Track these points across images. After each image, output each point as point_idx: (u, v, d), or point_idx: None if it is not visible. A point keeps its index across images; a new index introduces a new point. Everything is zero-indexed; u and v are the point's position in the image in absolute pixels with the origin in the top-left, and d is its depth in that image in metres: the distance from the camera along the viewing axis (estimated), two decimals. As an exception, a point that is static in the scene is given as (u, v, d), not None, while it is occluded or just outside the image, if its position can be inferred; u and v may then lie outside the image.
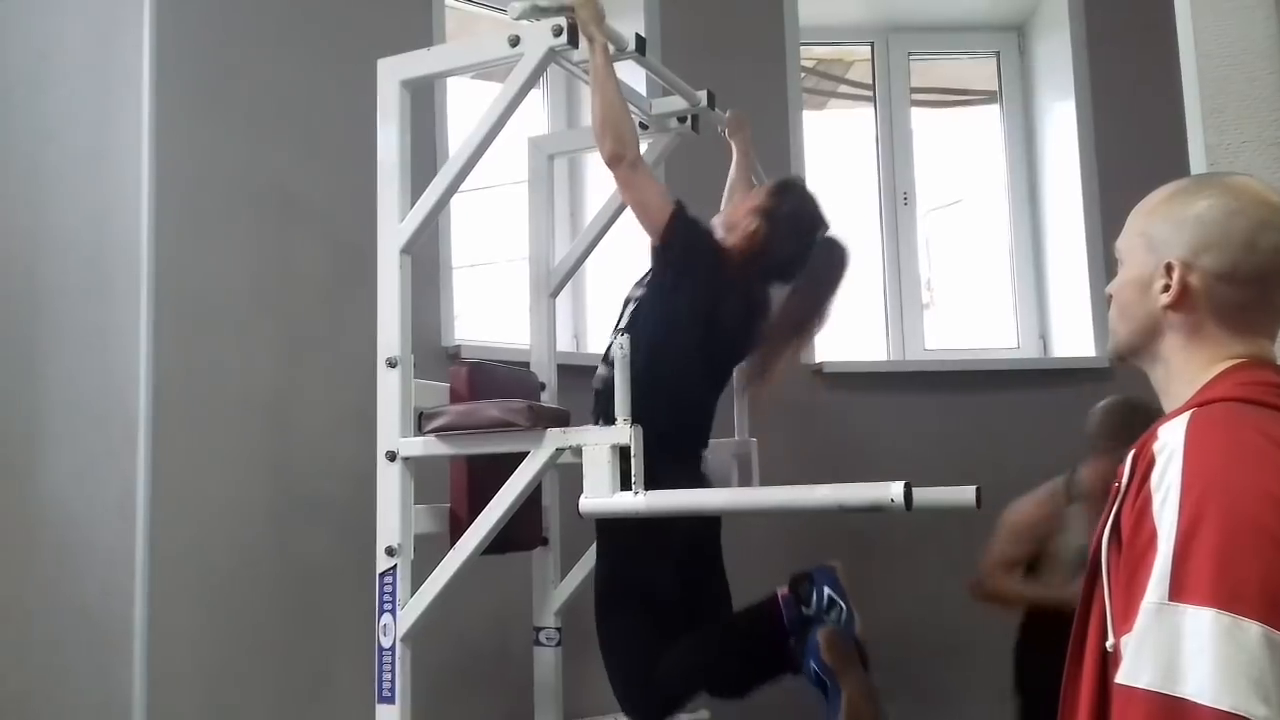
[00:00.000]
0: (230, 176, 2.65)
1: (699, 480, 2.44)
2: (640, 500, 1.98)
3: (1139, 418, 2.56)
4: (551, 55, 2.22)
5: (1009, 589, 2.74)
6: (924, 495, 1.82)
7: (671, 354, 2.34)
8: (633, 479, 1.98)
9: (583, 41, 2.25)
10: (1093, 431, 2.71)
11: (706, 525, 2.48)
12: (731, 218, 2.49)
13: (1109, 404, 2.73)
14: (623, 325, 2.45)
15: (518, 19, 2.21)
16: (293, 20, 2.80)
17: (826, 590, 2.32)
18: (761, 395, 2.51)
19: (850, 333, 3.89)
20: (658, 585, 2.35)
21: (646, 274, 2.50)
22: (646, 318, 2.41)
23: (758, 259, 2.43)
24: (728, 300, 2.40)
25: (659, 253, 2.38)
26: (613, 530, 2.35)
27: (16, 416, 2.65)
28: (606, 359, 2.35)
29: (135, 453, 2.47)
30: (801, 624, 2.32)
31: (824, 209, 2.48)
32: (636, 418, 2.01)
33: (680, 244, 2.34)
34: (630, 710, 2.41)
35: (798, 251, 2.43)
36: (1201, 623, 1.03)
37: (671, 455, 2.24)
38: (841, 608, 2.31)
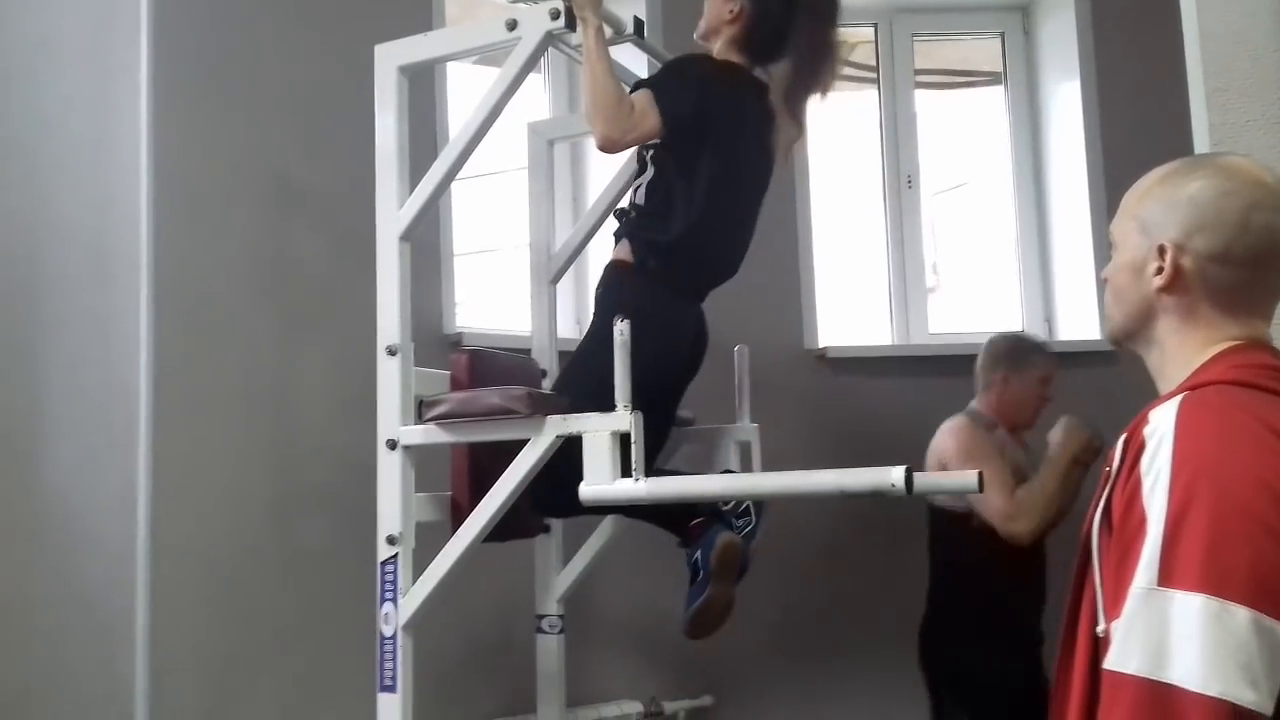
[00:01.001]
0: (230, 164, 2.64)
1: (692, 325, 2.44)
2: (641, 487, 1.98)
3: (1020, 348, 2.93)
4: (549, 39, 2.21)
5: (1040, 493, 2.73)
6: (925, 479, 1.81)
7: (704, 190, 2.32)
8: (633, 466, 1.98)
9: (579, 23, 2.22)
10: (981, 366, 2.96)
11: (693, 352, 2.48)
12: (710, 16, 2.46)
13: (992, 339, 3.00)
14: (648, 172, 2.41)
15: (515, 2, 2.21)
16: (292, 6, 2.79)
17: (748, 500, 2.36)
18: (791, 142, 2.46)
19: (854, 316, 3.88)
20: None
21: None
22: (672, 163, 2.38)
23: (750, 36, 2.41)
24: (744, 117, 2.39)
25: (669, 136, 2.35)
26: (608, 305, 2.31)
27: (17, 406, 2.64)
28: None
29: (136, 442, 2.47)
30: (711, 512, 2.32)
31: None
32: (675, 240, 2.20)
33: (677, 119, 2.31)
34: (539, 507, 2.40)
35: (786, 11, 2.40)
36: (1190, 608, 1.03)
37: (691, 283, 2.39)
38: (752, 519, 2.35)
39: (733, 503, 2.36)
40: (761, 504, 2.38)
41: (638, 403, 2.00)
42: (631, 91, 2.33)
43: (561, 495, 2.19)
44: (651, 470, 2.13)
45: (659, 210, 2.37)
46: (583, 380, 2.23)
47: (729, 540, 2.27)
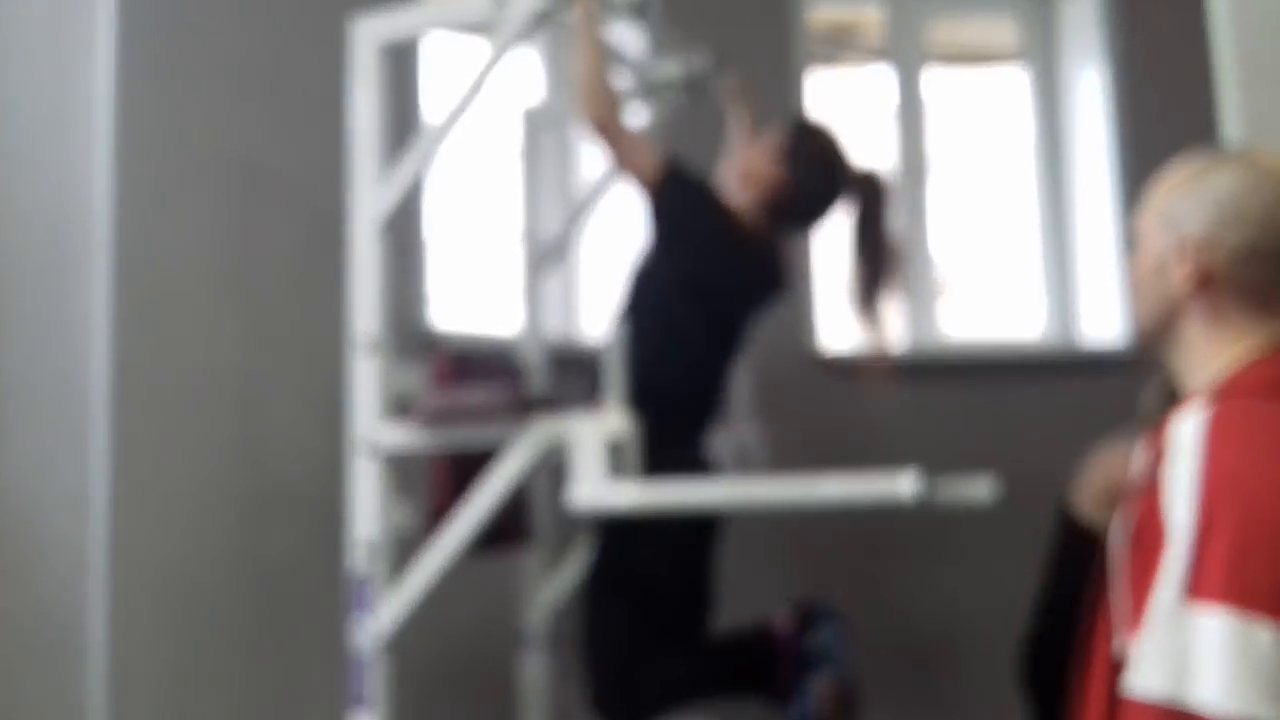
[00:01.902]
0: (195, 147, 2.61)
1: (701, 462, 2.38)
2: (634, 493, 1.95)
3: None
4: (542, 17, 2.14)
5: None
6: (936, 489, 1.79)
7: (676, 321, 2.28)
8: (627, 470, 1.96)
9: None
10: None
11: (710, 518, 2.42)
12: (748, 164, 2.37)
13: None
14: (629, 301, 2.37)
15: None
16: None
17: (833, 637, 2.27)
18: (884, 357, 2.39)
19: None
20: (657, 572, 2.28)
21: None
22: (648, 287, 2.34)
23: (783, 207, 2.33)
24: (733, 261, 2.32)
25: (653, 216, 2.30)
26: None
27: (-31, 403, 2.62)
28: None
29: (95, 441, 2.44)
30: (797, 653, 2.25)
31: (847, 148, 2.39)
32: (644, 387, 2.05)
33: (674, 208, 2.26)
34: (601, 711, 2.31)
35: (829, 188, 2.33)
36: (1212, 624, 1.05)
37: (677, 428, 2.28)
38: (837, 662, 2.25)
39: (816, 642, 2.26)
40: (843, 644, 2.27)
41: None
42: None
43: (632, 696, 2.22)
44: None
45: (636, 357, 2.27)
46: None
47: (834, 686, 2.21)
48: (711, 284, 2.30)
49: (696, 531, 2.31)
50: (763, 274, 2.41)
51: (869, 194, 2.35)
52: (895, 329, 2.41)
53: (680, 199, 2.26)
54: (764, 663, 2.26)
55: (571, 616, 2.43)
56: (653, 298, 2.32)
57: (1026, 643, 2.80)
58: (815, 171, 2.34)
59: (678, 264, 2.29)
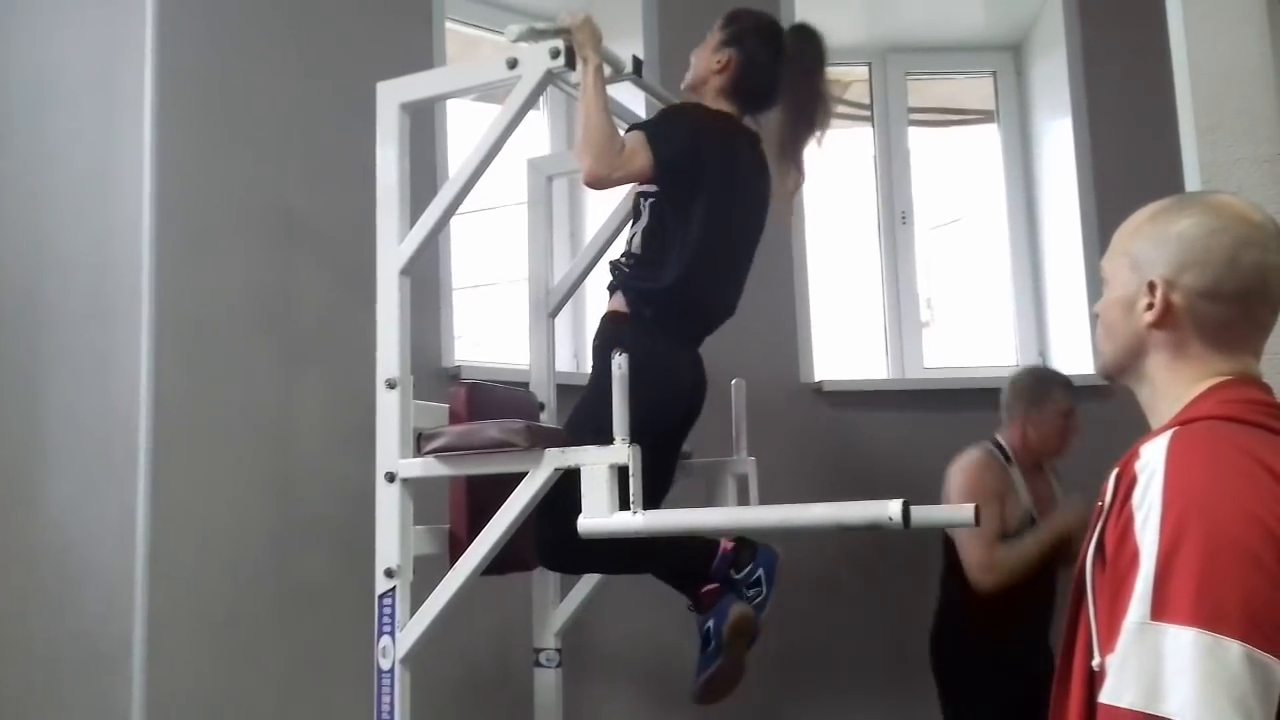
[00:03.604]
0: (231, 197, 2.66)
1: (690, 370, 2.45)
2: (639, 520, 1.98)
3: (1040, 384, 2.98)
4: (549, 77, 2.23)
5: (1018, 556, 2.80)
6: (922, 513, 1.81)
7: (698, 237, 2.33)
8: (631, 499, 1.98)
9: (579, 62, 2.25)
10: (1006, 401, 3.00)
11: (692, 399, 2.48)
12: (697, 68, 2.49)
13: (1014, 374, 3.06)
14: (644, 219, 2.41)
15: (515, 41, 2.23)
16: (294, 41, 2.81)
17: (760, 570, 2.36)
18: (793, 188, 2.49)
19: (850, 351, 3.90)
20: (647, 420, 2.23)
21: None
22: (668, 210, 2.38)
23: (739, 86, 2.45)
24: (736, 163, 2.40)
25: (660, 180, 2.36)
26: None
27: (17, 439, 2.65)
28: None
29: (136, 475, 2.47)
30: (724, 580, 2.34)
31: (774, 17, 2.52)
32: (670, 286, 2.22)
33: (670, 163, 2.33)
34: (543, 555, 2.40)
35: (774, 56, 2.45)
36: (1183, 642, 1.04)
37: (687, 329, 2.40)
38: (763, 592, 2.35)
39: (744, 571, 2.36)
40: (773, 574, 2.38)
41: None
42: (626, 132, 2.35)
43: (569, 548, 2.22)
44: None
45: (652, 258, 2.38)
46: (584, 433, 2.22)
47: (742, 612, 2.30)
48: (709, 162, 2.35)
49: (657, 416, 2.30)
50: (750, 149, 2.47)
51: (805, 46, 2.46)
52: (807, 174, 2.49)
53: (672, 145, 2.32)
54: (698, 567, 2.34)
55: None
56: (656, 204, 2.37)
57: (931, 643, 2.96)
58: (755, 41, 2.45)
59: (702, 191, 2.33)
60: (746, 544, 2.39)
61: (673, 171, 2.34)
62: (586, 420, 2.29)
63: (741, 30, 2.47)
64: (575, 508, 2.06)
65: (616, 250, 2.56)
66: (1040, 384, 2.99)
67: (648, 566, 2.41)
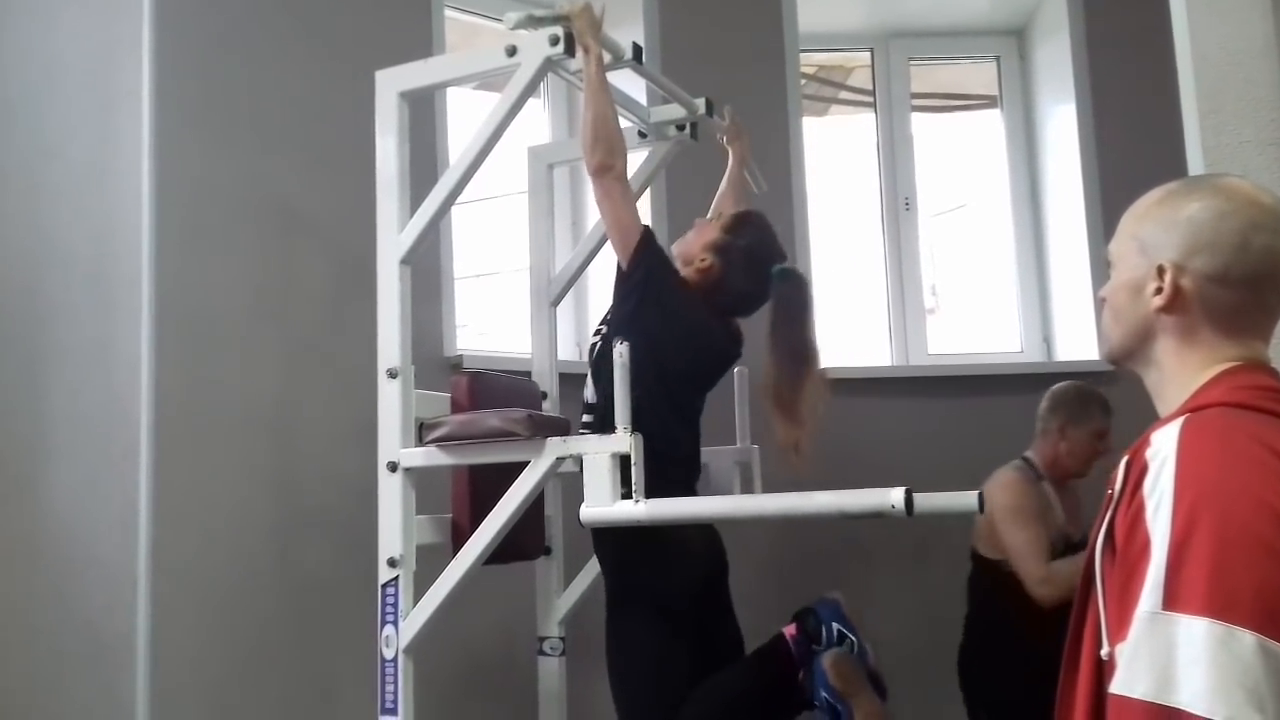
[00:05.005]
0: (231, 189, 2.65)
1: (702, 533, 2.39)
2: (641, 509, 1.98)
3: (1083, 400, 2.96)
4: (549, 65, 2.22)
5: (1072, 568, 2.71)
6: (925, 501, 1.81)
7: (643, 382, 2.18)
8: (633, 487, 1.98)
9: (580, 51, 2.24)
10: (1044, 411, 2.99)
11: (710, 561, 2.43)
12: (687, 252, 2.44)
13: (1057, 386, 3.04)
14: (593, 360, 2.41)
15: (514, 29, 2.22)
16: (293, 32, 2.80)
17: (835, 625, 2.30)
18: (804, 445, 2.36)
19: (854, 338, 3.89)
20: (669, 595, 2.30)
21: (610, 310, 2.45)
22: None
23: (713, 295, 2.40)
24: (692, 329, 2.36)
25: (623, 277, 2.34)
26: (615, 543, 2.31)
27: (19, 432, 2.66)
28: (591, 380, 2.40)
29: (137, 467, 2.47)
30: (812, 659, 2.29)
31: (779, 244, 2.45)
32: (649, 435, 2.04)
33: (645, 271, 2.30)
34: None
35: (753, 289, 2.40)
36: (1195, 632, 1.03)
37: (682, 479, 2.33)
38: (852, 641, 2.28)
39: (823, 637, 2.30)
40: (844, 618, 2.32)
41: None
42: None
43: None
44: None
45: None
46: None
47: (834, 657, 2.25)
48: (675, 342, 2.32)
49: (699, 573, 2.33)
50: (725, 344, 2.45)
51: (791, 294, 2.39)
52: (815, 424, 2.36)
53: (654, 267, 2.31)
54: (785, 670, 2.29)
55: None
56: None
57: (961, 654, 2.97)
58: (743, 271, 2.39)
59: (644, 326, 2.27)
60: (805, 614, 2.34)
61: (639, 273, 2.29)
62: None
63: (733, 245, 2.41)
64: (651, 671, 2.19)
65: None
66: (1082, 399, 2.98)
67: (744, 707, 2.31)
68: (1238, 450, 1.11)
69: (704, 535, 2.39)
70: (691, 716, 2.26)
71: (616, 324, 2.34)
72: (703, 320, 2.39)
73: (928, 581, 3.35)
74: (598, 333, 2.46)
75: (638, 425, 2.01)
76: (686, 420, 2.44)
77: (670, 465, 2.26)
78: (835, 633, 2.29)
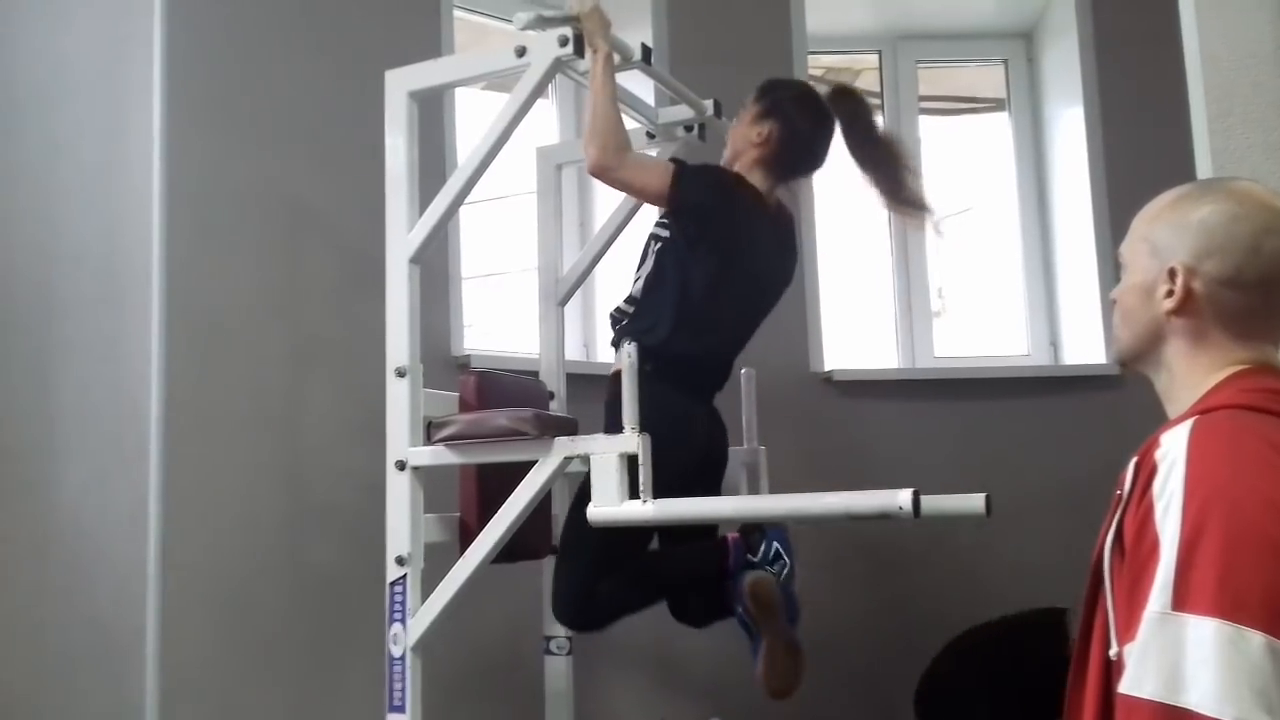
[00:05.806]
0: (240, 188, 2.66)
1: (704, 420, 2.45)
2: (649, 509, 1.99)
3: None
4: (558, 65, 2.23)
5: None
6: (932, 503, 1.81)
7: (699, 294, 2.33)
8: (641, 487, 1.99)
9: (588, 51, 2.24)
10: None
11: (707, 448, 2.47)
12: (736, 144, 2.47)
13: None
14: (648, 265, 2.43)
15: (523, 29, 2.22)
16: (303, 32, 2.81)
17: (775, 544, 2.36)
18: (921, 223, 2.51)
19: (860, 340, 3.89)
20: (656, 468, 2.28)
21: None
22: (671, 261, 2.39)
23: (781, 158, 2.43)
24: (755, 238, 2.39)
25: (673, 217, 2.38)
26: (613, 417, 2.30)
27: (29, 428, 2.67)
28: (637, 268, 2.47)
29: (147, 464, 2.47)
30: (745, 569, 2.34)
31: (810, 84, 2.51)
32: (664, 341, 2.23)
33: (691, 205, 2.33)
34: (564, 614, 2.41)
35: (819, 124, 2.43)
36: (1204, 632, 1.04)
37: (688, 383, 2.37)
38: (785, 562, 2.35)
39: (760, 552, 2.35)
40: (787, 544, 2.37)
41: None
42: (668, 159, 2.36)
43: (593, 606, 2.31)
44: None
45: (648, 310, 2.38)
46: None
47: (755, 578, 2.29)
48: (737, 260, 2.35)
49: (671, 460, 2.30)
50: (783, 238, 2.49)
51: (849, 107, 2.45)
52: (930, 197, 2.47)
53: (699, 190, 2.32)
54: (715, 567, 2.35)
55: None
56: (676, 272, 2.36)
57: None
58: (796, 110, 2.43)
59: (702, 256, 2.33)
60: (751, 527, 2.39)
61: (689, 217, 2.34)
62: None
63: (780, 100, 2.45)
64: (591, 560, 2.15)
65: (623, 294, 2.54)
66: None
67: (669, 584, 2.40)
68: (1247, 452, 1.12)
69: (705, 428, 2.45)
70: (613, 584, 2.32)
71: (677, 245, 2.37)
72: (762, 206, 2.42)
73: (930, 582, 3.35)
74: (648, 245, 2.47)
75: (693, 329, 2.26)
76: (748, 321, 2.48)
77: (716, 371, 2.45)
78: (773, 551, 2.35)
